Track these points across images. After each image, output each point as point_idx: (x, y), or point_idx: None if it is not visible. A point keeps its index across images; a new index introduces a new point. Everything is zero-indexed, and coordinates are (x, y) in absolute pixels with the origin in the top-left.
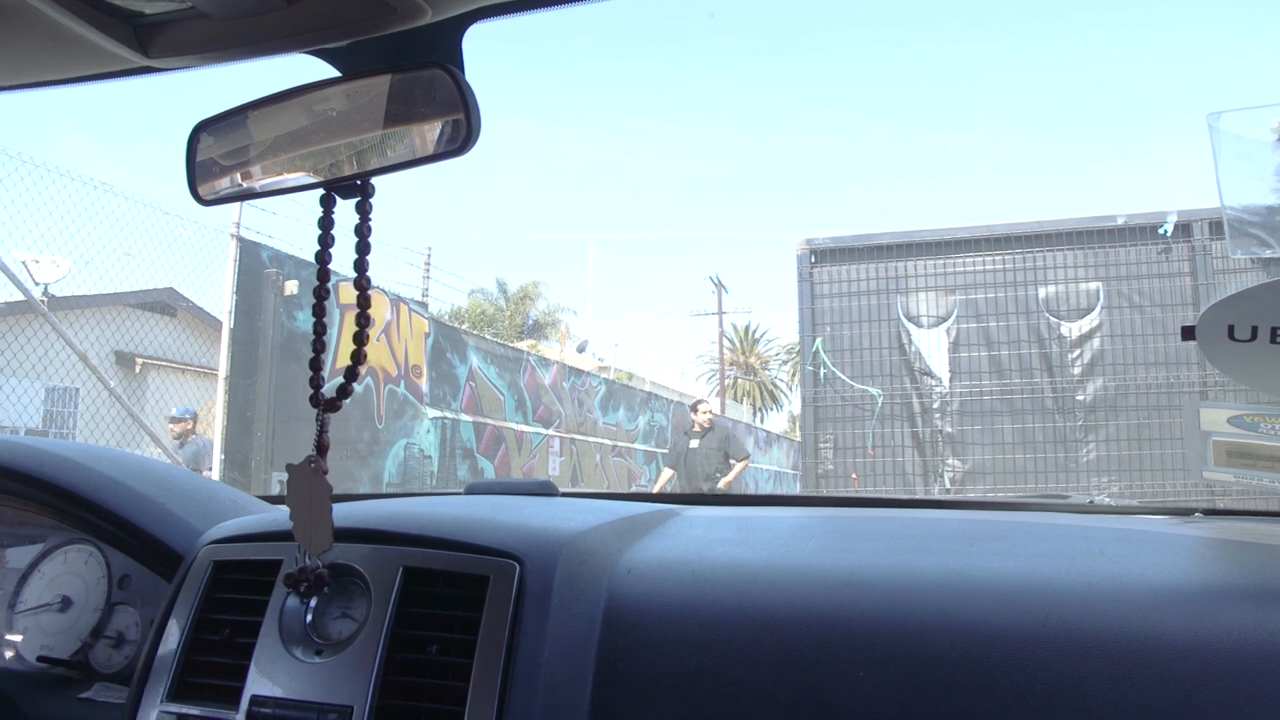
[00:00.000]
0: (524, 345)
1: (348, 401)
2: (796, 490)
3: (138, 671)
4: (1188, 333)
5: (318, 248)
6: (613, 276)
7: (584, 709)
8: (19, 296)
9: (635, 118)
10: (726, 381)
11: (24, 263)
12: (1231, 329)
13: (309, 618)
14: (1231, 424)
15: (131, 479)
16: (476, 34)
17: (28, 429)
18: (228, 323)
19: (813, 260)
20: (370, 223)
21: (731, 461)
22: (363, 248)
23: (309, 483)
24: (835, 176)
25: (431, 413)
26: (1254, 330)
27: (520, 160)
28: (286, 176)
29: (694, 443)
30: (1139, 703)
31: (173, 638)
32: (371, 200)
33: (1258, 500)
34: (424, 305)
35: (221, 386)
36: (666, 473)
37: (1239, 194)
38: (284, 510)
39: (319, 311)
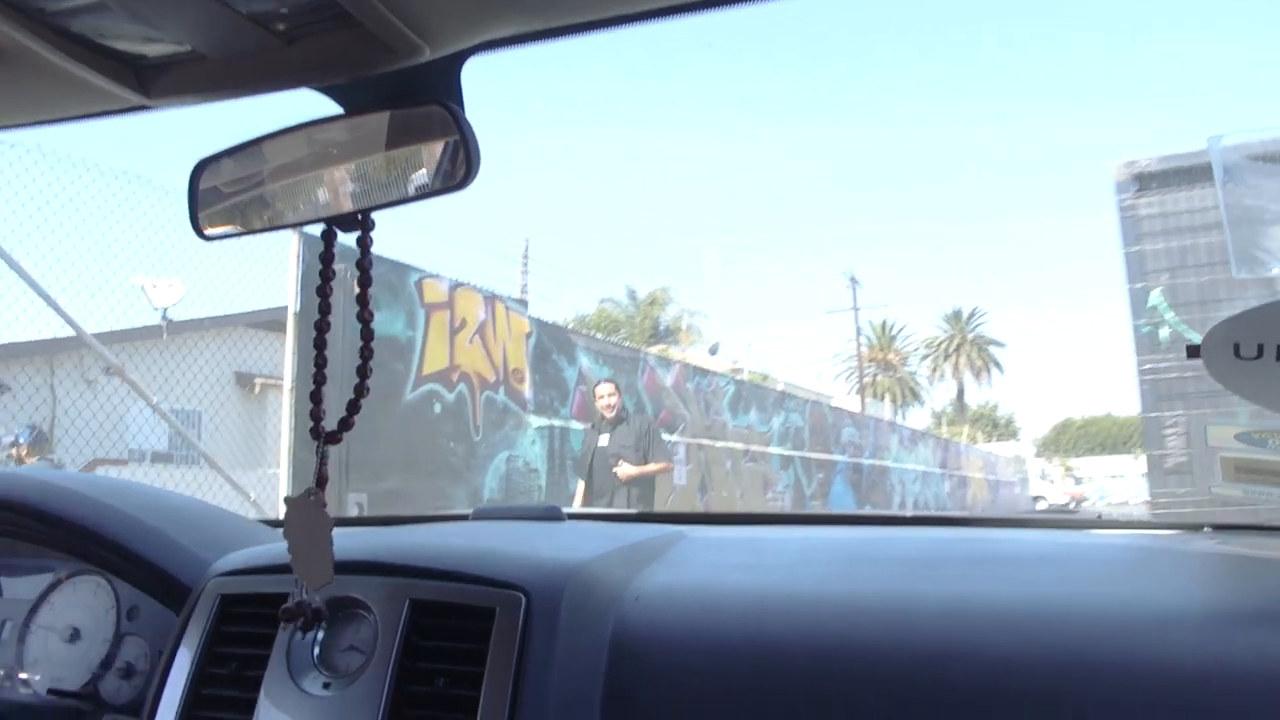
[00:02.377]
0: (654, 351)
1: (350, 424)
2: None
3: (147, 705)
4: (1193, 351)
5: (319, 282)
6: (742, 281)
7: None
8: (138, 323)
9: (754, 119)
10: (865, 379)
11: (142, 287)
12: (1237, 347)
13: (317, 650)
14: (1239, 440)
15: (139, 510)
16: (580, 48)
17: (154, 453)
18: (292, 327)
19: (1136, 188)
20: (370, 257)
21: (650, 465)
22: (364, 281)
23: (308, 515)
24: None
25: (536, 421)
26: (1260, 348)
27: (645, 166)
28: (288, 211)
29: (602, 438)
30: None
31: (181, 671)
32: (372, 235)
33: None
34: (523, 303)
35: (287, 399)
36: (582, 485)
37: (1243, 214)
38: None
39: (320, 344)
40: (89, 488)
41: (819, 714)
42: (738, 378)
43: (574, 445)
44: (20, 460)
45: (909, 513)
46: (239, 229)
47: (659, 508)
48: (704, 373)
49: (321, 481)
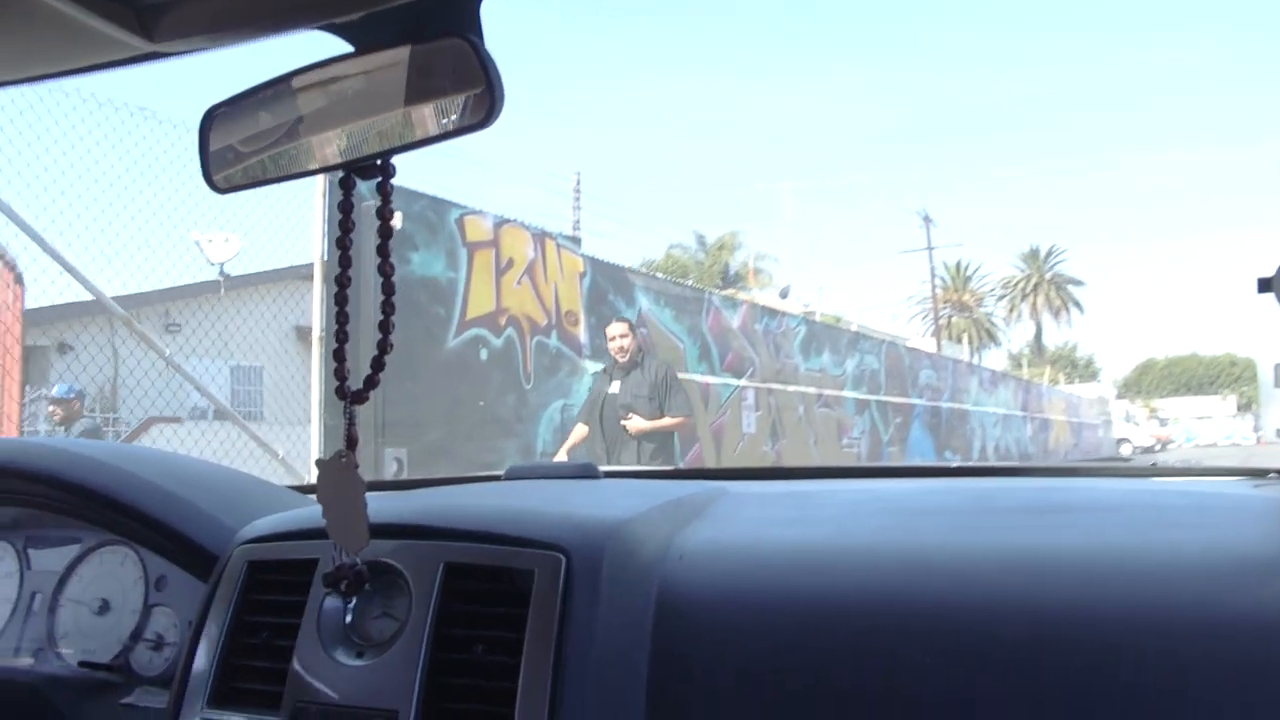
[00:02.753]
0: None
1: (379, 379)
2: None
3: (177, 677)
4: (1264, 284)
5: (338, 232)
6: (812, 224)
7: (640, 705)
8: (198, 278)
9: (826, 60)
10: (940, 321)
11: (197, 242)
12: None
13: (349, 618)
14: None
15: (162, 478)
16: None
17: (215, 410)
18: (320, 270)
19: None
20: (391, 206)
21: (665, 419)
22: (385, 231)
23: (340, 478)
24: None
25: (593, 366)
26: None
27: (711, 113)
28: (303, 159)
29: (613, 385)
30: (1237, 684)
31: (210, 642)
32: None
33: None
34: (576, 240)
35: (316, 349)
36: (579, 430)
37: None
38: (319, 505)
39: (342, 300)
40: (113, 456)
41: (875, 670)
42: (809, 318)
43: None
44: (63, 420)
45: (971, 463)
46: (254, 179)
47: (732, 461)
48: (773, 314)
49: (351, 442)
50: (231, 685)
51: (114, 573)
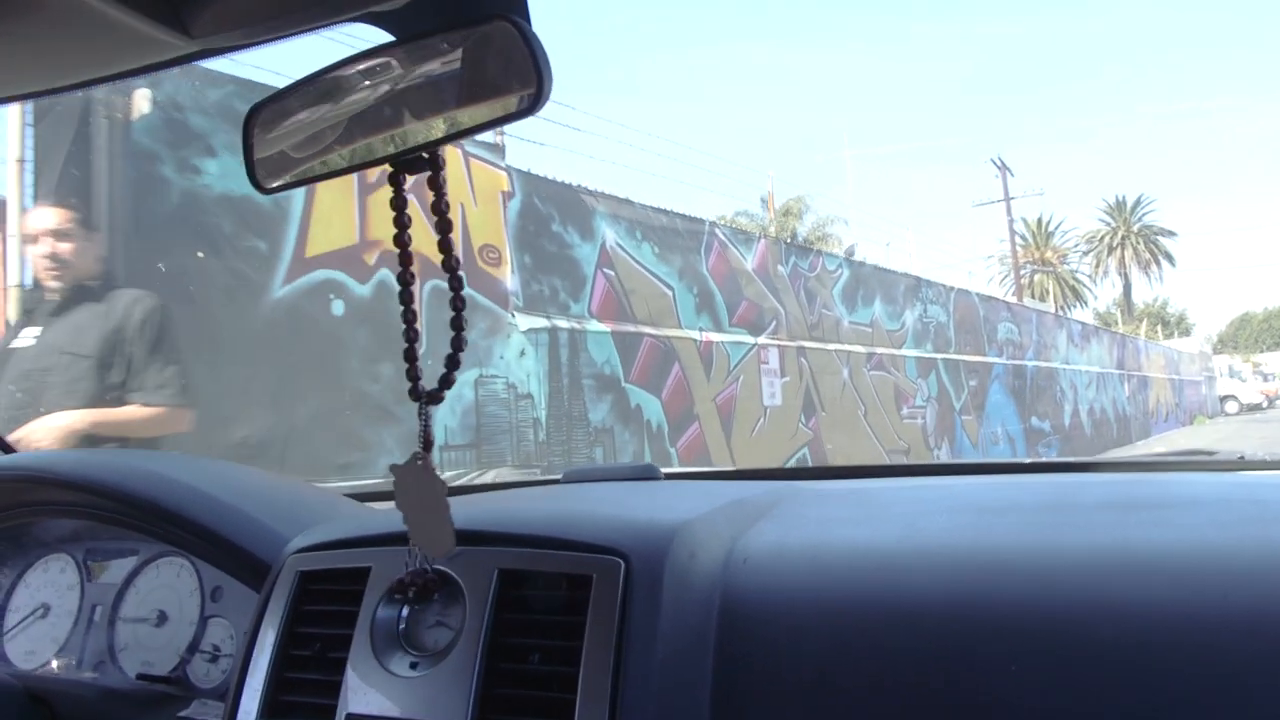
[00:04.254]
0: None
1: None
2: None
3: (231, 689)
4: None
5: (394, 231)
6: (883, 186)
7: (704, 715)
8: None
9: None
10: (1021, 280)
11: None
12: None
13: (403, 627)
14: None
15: (216, 488)
16: None
17: None
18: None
19: None
20: (446, 199)
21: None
22: (444, 226)
23: (419, 481)
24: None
25: (526, 322)
26: None
27: (776, 78)
28: (349, 155)
29: (26, 334)
30: None
31: (264, 654)
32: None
33: None
34: (495, 149)
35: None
36: None
37: None
38: (373, 512)
39: (407, 299)
40: (169, 467)
41: (953, 678)
42: (854, 260)
43: (593, 356)
44: None
45: (1032, 459)
46: (299, 178)
47: (750, 444)
48: (804, 251)
49: (428, 444)
50: (284, 697)
51: (171, 584)
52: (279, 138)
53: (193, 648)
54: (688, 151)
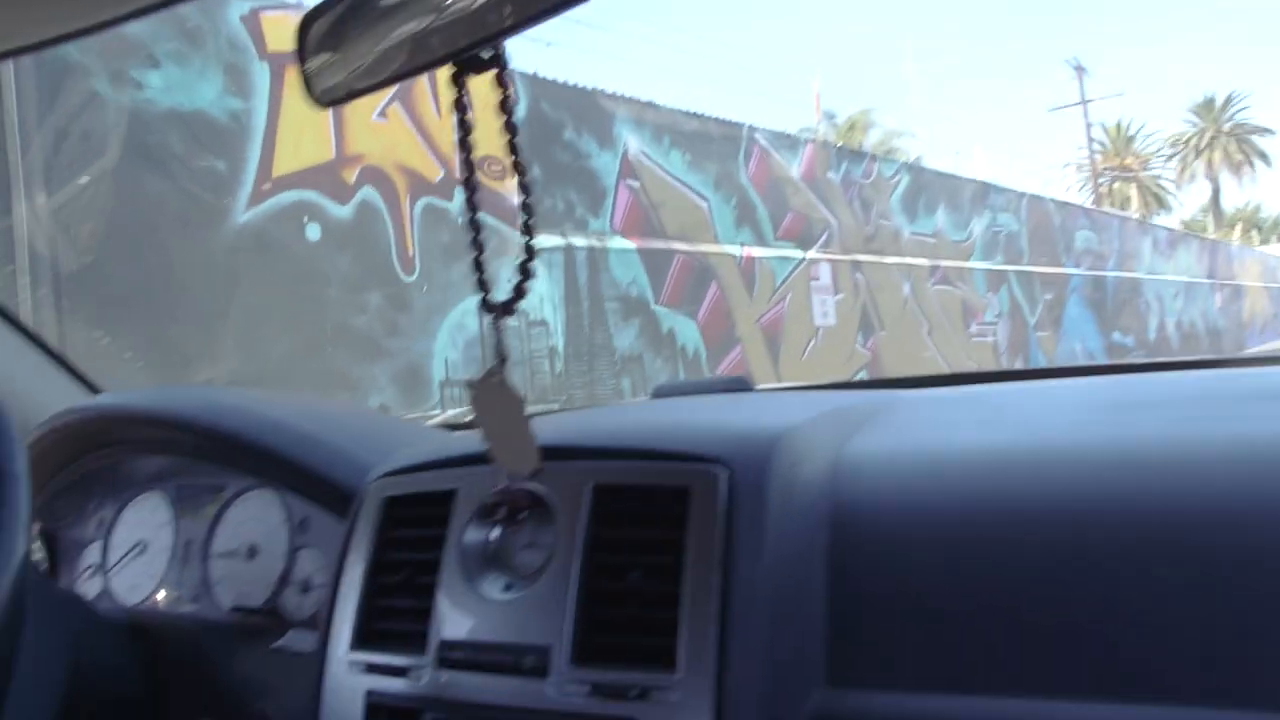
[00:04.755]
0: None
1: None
2: None
3: (322, 619)
4: None
5: (459, 133)
6: (951, 96)
7: (818, 630)
8: None
9: None
10: (1100, 188)
11: None
12: None
13: (493, 550)
14: None
15: (300, 420)
16: None
17: None
18: None
19: None
20: (514, 97)
21: None
22: (512, 128)
23: (497, 397)
24: None
25: (538, 242)
26: None
27: None
28: (410, 58)
29: None
30: None
31: (353, 582)
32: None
33: None
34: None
35: None
36: None
37: None
38: (458, 437)
39: (474, 206)
40: (253, 401)
41: (1094, 583)
42: (915, 164)
43: (617, 275)
44: None
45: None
46: (359, 86)
47: (800, 367)
48: (856, 156)
49: (503, 358)
50: (376, 625)
51: (259, 517)
52: (334, 45)
53: (284, 579)
54: (734, 70)
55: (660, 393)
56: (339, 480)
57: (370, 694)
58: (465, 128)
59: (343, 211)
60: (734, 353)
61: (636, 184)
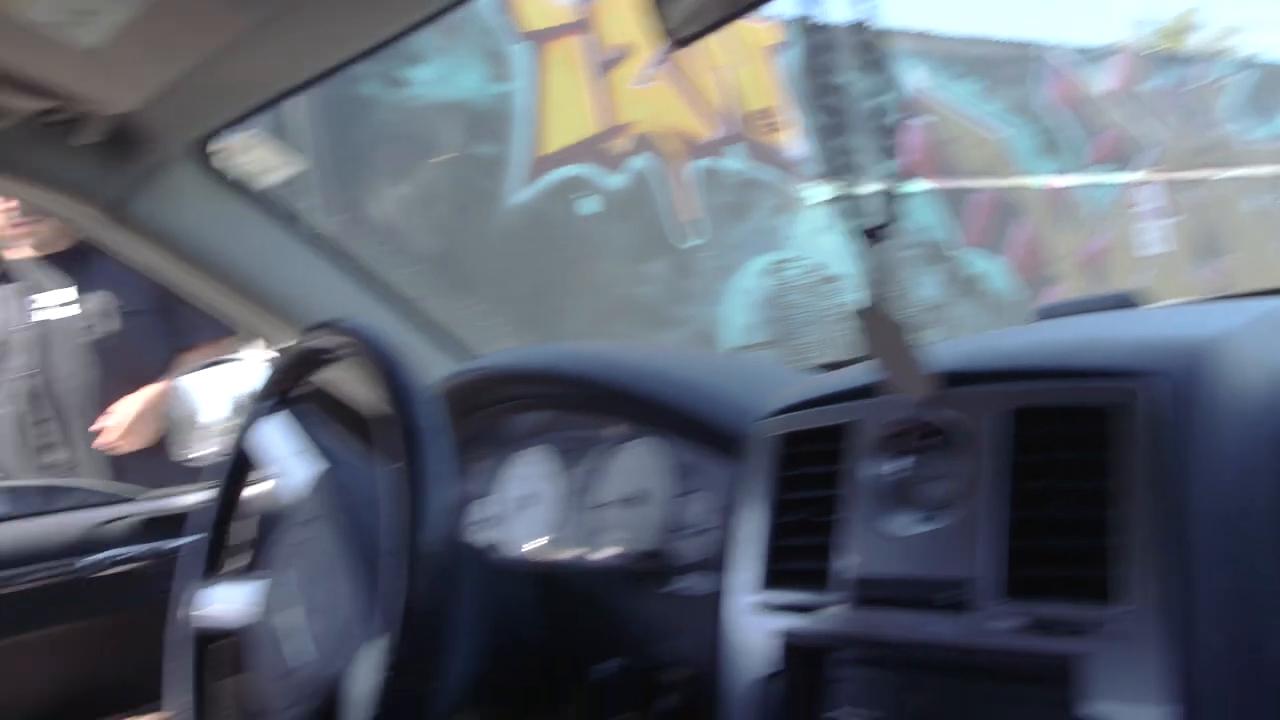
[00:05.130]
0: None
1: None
2: None
3: (719, 563)
4: None
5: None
6: None
7: (1272, 560)
8: None
9: None
10: None
11: None
12: None
13: (898, 483)
14: None
15: (675, 367)
16: None
17: None
18: None
19: None
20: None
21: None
22: (869, 53)
23: (884, 326)
24: None
25: (822, 193)
26: None
27: None
28: None
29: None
30: None
31: (751, 523)
32: None
33: None
34: None
35: None
36: None
37: None
38: (839, 373)
39: (834, 131)
40: (626, 352)
41: None
42: (1252, 58)
43: (912, 221)
44: None
45: None
46: (711, 21)
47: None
48: (1179, 61)
49: (886, 286)
50: (779, 565)
51: (643, 465)
52: None
53: (671, 525)
54: None
55: (1046, 314)
56: (723, 423)
57: (780, 634)
58: (823, 53)
59: (616, 181)
60: (1053, 292)
61: (922, 121)
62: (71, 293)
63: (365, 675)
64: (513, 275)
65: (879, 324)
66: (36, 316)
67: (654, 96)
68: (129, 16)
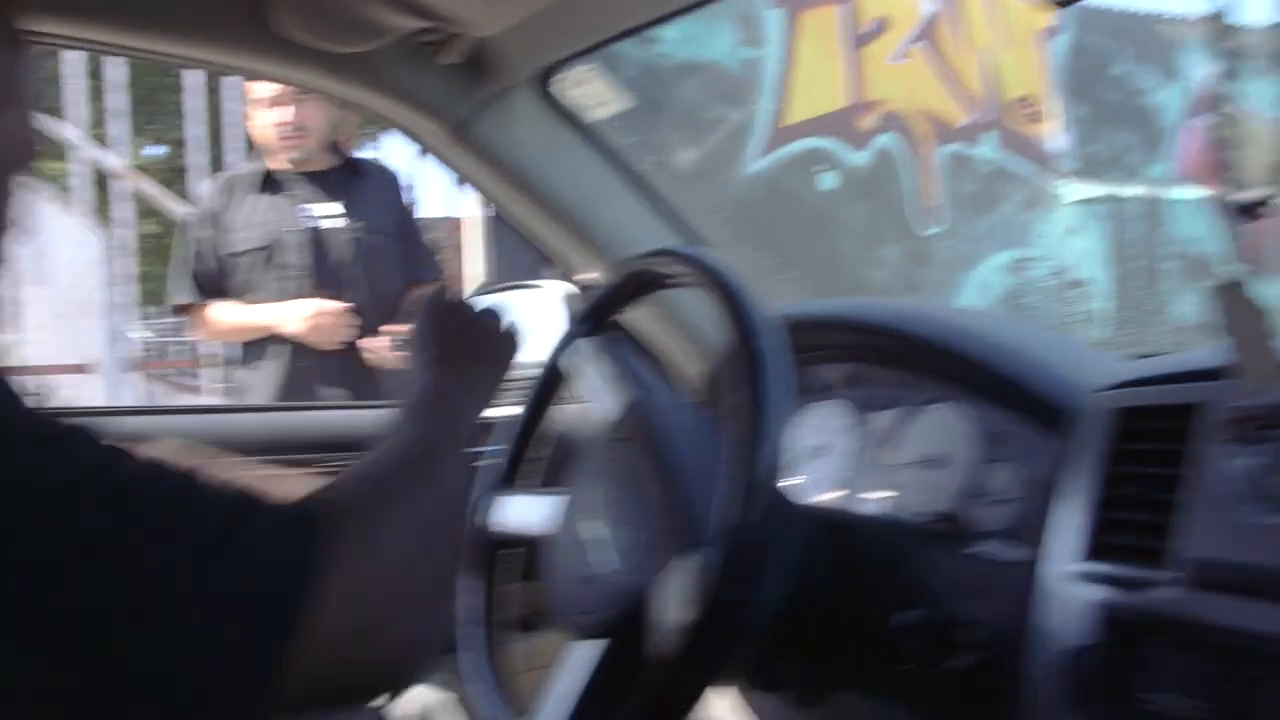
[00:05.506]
0: None
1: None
2: None
3: (1023, 532)
4: None
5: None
6: None
7: None
8: None
9: None
10: None
11: None
12: None
13: (1249, 470)
14: None
15: (993, 331)
16: None
17: None
18: None
19: None
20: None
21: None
22: None
23: (1241, 307)
24: None
25: (1080, 191)
26: None
27: None
28: None
29: (285, 224)
30: None
31: (1076, 495)
32: None
33: None
34: None
35: None
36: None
37: None
38: (1185, 354)
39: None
40: (945, 312)
41: None
42: None
43: (1178, 229)
44: None
45: None
46: None
47: None
48: None
49: (1247, 267)
50: (1104, 539)
51: (945, 429)
52: None
53: (972, 491)
54: None
55: None
56: (1047, 393)
57: (1100, 606)
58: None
59: (858, 158)
60: None
61: (1208, 122)
62: (337, 206)
63: (679, 584)
64: (743, 244)
65: (1239, 304)
66: (306, 222)
67: (907, 74)
68: None
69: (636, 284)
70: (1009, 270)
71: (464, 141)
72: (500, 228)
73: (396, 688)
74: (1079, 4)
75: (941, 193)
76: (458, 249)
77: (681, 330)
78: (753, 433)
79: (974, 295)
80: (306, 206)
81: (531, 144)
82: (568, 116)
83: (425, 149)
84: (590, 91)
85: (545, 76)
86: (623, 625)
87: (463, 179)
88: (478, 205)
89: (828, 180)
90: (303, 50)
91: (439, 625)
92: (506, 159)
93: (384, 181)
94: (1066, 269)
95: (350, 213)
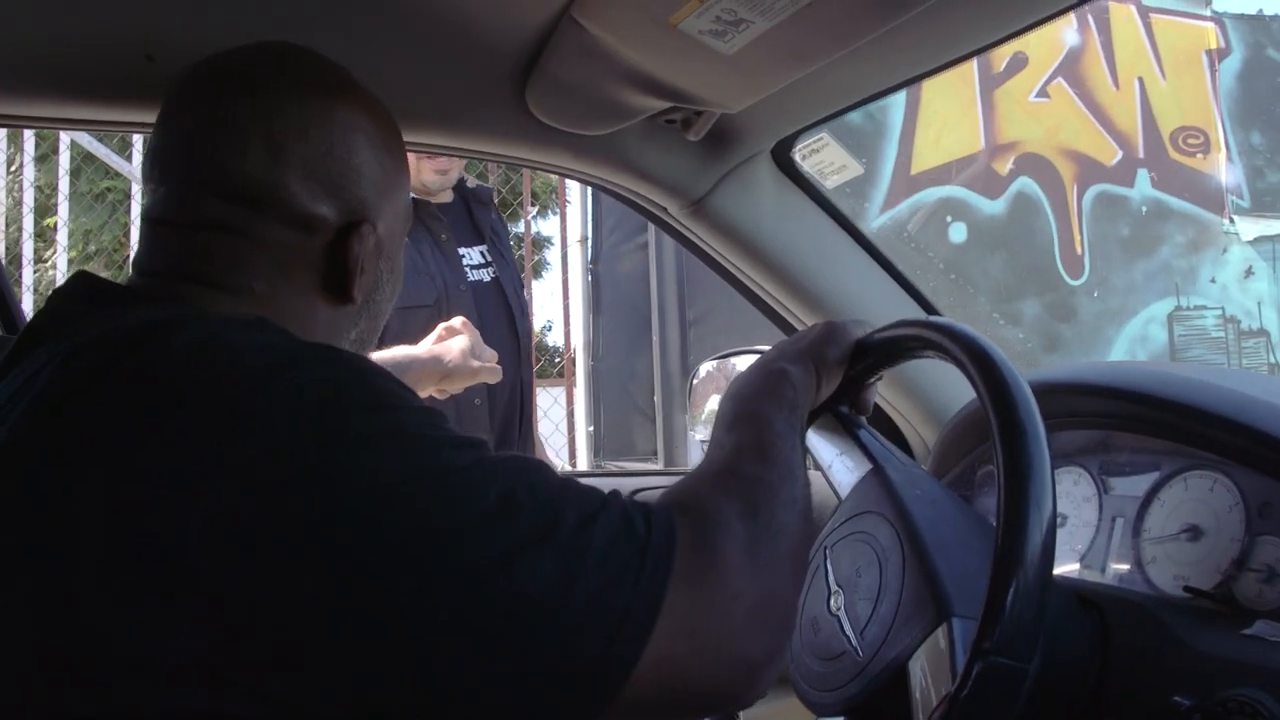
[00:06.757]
0: None
1: None
2: None
3: None
4: None
5: None
6: None
7: None
8: None
9: None
10: None
11: None
12: None
13: None
14: None
15: (1259, 391)
16: None
17: None
18: None
19: None
20: None
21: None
22: None
23: None
24: None
25: (1255, 229)
26: None
27: None
28: None
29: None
30: None
31: None
32: None
33: None
34: None
35: None
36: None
37: None
38: None
39: None
40: (1207, 374)
41: None
42: None
43: None
44: None
45: None
46: None
47: None
48: None
49: None
50: None
51: (1202, 498)
52: None
53: (1239, 564)
54: None
55: None
56: None
57: None
58: None
59: (993, 207)
60: None
61: None
62: (485, 252)
63: (936, 657)
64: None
65: None
66: (471, 275)
67: (1049, 113)
68: (769, 26)
69: (885, 355)
70: (1171, 320)
71: (702, 214)
72: None
73: (739, 705)
74: (1250, 18)
75: (1087, 238)
76: None
77: (909, 398)
78: (1020, 503)
79: (1128, 351)
80: (462, 253)
81: (769, 214)
82: (804, 185)
83: (662, 224)
84: (824, 159)
85: (784, 147)
86: (865, 703)
87: (699, 252)
88: None
89: (958, 230)
90: (555, 133)
91: (786, 637)
92: (743, 230)
93: (487, 204)
94: (1239, 317)
95: (492, 256)
